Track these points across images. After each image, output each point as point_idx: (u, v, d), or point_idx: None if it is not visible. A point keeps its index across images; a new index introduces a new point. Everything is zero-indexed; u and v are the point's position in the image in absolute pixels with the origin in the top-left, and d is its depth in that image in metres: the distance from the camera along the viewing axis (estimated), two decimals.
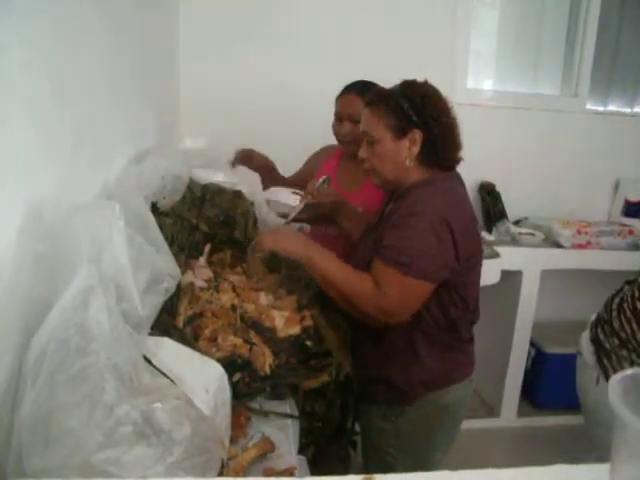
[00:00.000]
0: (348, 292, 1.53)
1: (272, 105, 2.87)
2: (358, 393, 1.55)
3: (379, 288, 1.49)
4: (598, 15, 3.10)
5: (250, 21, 2.87)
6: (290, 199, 1.98)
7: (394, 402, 1.67)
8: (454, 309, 1.58)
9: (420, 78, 1.64)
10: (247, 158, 2.23)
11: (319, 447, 1.45)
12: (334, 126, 2.16)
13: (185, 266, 1.59)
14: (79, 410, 0.70)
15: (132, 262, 1.01)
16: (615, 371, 1.94)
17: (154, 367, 0.90)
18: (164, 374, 0.92)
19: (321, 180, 1.94)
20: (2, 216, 0.91)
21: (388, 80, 1.68)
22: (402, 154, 1.57)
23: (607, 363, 1.94)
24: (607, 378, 1.95)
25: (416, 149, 1.56)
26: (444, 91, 1.63)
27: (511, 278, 2.98)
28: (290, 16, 2.91)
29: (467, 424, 1.81)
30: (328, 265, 1.56)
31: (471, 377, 1.73)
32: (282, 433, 1.20)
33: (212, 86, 2.86)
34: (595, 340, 1.98)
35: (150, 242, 1.16)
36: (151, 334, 1.15)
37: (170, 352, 1.07)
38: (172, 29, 2.70)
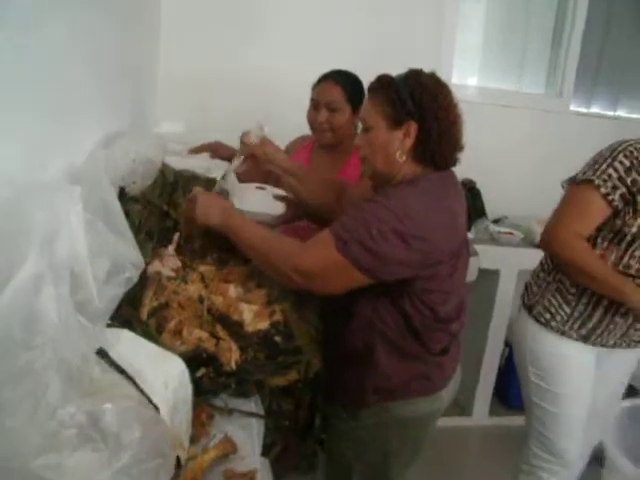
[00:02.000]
0: (268, 249, 1.47)
1: (254, 92, 2.80)
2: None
3: (303, 246, 1.44)
4: (585, 15, 3.07)
5: (233, 5, 2.80)
6: (270, 207, 1.89)
7: (348, 404, 1.63)
8: (418, 316, 1.49)
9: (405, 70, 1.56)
10: (212, 150, 2.13)
11: (285, 445, 1.41)
12: (309, 114, 2.12)
13: (153, 255, 1.53)
14: (20, 409, 0.64)
15: (91, 249, 0.95)
16: (531, 292, 2.08)
17: (107, 362, 0.84)
18: (119, 369, 0.87)
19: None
20: None
21: (372, 72, 1.63)
22: (394, 145, 1.48)
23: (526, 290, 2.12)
24: (523, 303, 2.11)
25: (409, 142, 1.47)
26: None
27: (488, 277, 2.96)
28: (275, 1, 2.84)
29: (438, 422, 1.77)
30: (247, 227, 1.52)
31: (440, 393, 1.62)
32: (246, 432, 1.15)
33: (192, 70, 2.78)
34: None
35: (113, 229, 1.10)
36: (111, 325, 1.10)
37: (129, 345, 1.02)
38: (153, 10, 2.62)
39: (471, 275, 2.73)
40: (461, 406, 3.36)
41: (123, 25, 1.99)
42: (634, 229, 1.78)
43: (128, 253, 1.08)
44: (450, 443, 3.06)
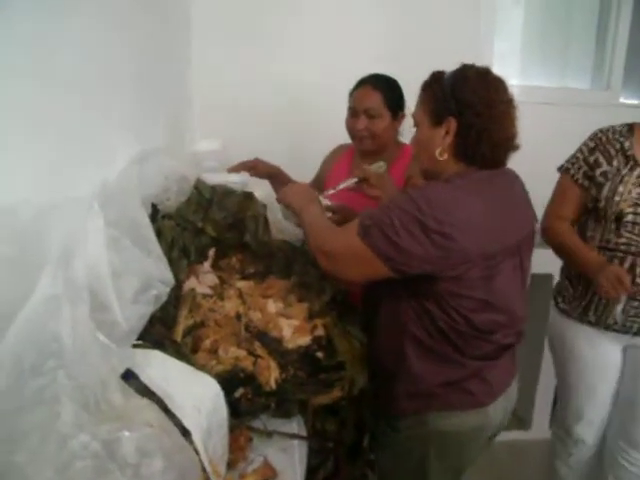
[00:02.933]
0: (311, 230, 1.50)
1: (287, 103, 2.76)
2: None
3: (334, 230, 1.46)
4: (632, 3, 2.93)
5: (262, 19, 2.77)
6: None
7: (386, 413, 1.56)
8: (448, 321, 1.40)
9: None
10: (252, 168, 2.09)
11: (333, 467, 1.34)
12: (348, 122, 2.06)
13: (189, 272, 1.49)
14: (28, 440, 0.59)
15: (115, 267, 0.91)
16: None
17: (134, 385, 0.79)
18: (146, 392, 0.81)
19: (376, 165, 1.84)
20: None
21: (406, 74, 1.56)
22: (435, 143, 1.43)
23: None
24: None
25: (449, 139, 1.41)
26: None
27: (541, 282, 2.83)
28: (304, 14, 2.80)
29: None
30: (312, 211, 1.55)
31: (485, 408, 1.50)
32: (287, 456, 1.09)
33: (226, 87, 2.76)
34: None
35: (141, 246, 1.06)
36: (142, 346, 1.05)
37: (159, 367, 0.97)
38: (184, 26, 2.61)
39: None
40: (520, 418, 3.22)
41: (156, 41, 1.98)
42: (602, 203, 1.93)
43: (156, 270, 1.04)
44: (508, 458, 2.92)
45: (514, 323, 1.50)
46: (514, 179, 1.53)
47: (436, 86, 1.44)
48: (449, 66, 1.48)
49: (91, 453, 0.60)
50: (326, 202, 1.86)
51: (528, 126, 2.98)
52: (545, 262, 2.42)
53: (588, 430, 2.18)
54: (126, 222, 1.11)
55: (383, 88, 2.00)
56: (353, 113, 2.03)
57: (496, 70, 3.03)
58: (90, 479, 0.59)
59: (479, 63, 1.54)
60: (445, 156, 1.43)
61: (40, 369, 0.63)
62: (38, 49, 1.03)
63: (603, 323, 1.99)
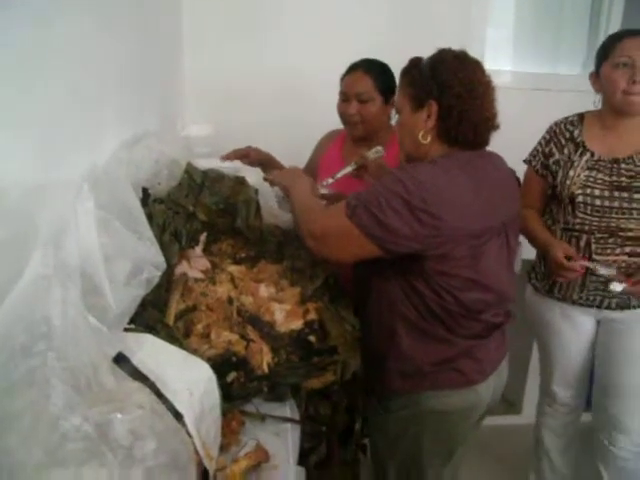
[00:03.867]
0: (299, 210, 1.52)
1: (280, 90, 2.74)
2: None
3: (322, 211, 1.47)
4: None
5: (256, 5, 2.74)
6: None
7: (379, 393, 1.56)
8: (437, 300, 1.41)
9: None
10: (243, 155, 2.07)
11: (325, 451, 1.33)
12: (339, 106, 2.04)
13: (180, 256, 1.47)
14: (19, 423, 0.58)
15: (106, 249, 0.90)
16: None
17: (126, 369, 0.78)
18: (138, 376, 0.81)
19: (374, 150, 1.85)
20: None
21: (398, 61, 1.56)
22: (418, 127, 1.45)
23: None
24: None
25: (431, 122, 1.43)
26: None
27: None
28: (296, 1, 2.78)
29: (485, 420, 1.67)
30: (301, 191, 1.57)
31: (475, 387, 1.51)
32: (279, 439, 1.08)
33: (218, 72, 2.73)
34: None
35: (131, 228, 1.05)
36: (134, 330, 1.04)
37: (151, 350, 0.96)
38: (175, 13, 2.58)
39: (516, 266, 2.62)
40: (510, 403, 3.24)
41: (146, 27, 1.96)
42: (558, 189, 2.07)
43: (148, 253, 1.03)
44: (499, 442, 2.94)
45: (503, 302, 1.52)
46: (498, 160, 1.53)
47: (415, 71, 1.47)
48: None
49: (82, 435, 0.60)
50: (323, 191, 1.86)
51: (520, 112, 2.98)
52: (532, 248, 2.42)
53: (567, 392, 2.28)
54: (116, 205, 1.10)
55: (375, 72, 1.99)
56: (345, 98, 2.02)
57: (488, 57, 3.03)
58: (82, 461, 0.59)
59: (471, 50, 1.54)
60: (428, 139, 1.45)
61: (30, 350, 0.62)
62: (31, 26, 1.01)
63: (569, 298, 2.11)
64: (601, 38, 3.02)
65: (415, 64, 1.50)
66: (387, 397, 1.55)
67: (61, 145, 1.19)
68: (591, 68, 2.23)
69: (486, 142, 1.49)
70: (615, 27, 2.99)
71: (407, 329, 1.46)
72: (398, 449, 1.57)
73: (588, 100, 2.38)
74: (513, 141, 2.72)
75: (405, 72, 1.53)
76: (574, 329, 2.17)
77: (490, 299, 1.46)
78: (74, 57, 1.26)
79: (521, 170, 2.60)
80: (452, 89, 1.40)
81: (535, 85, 3.00)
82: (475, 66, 1.45)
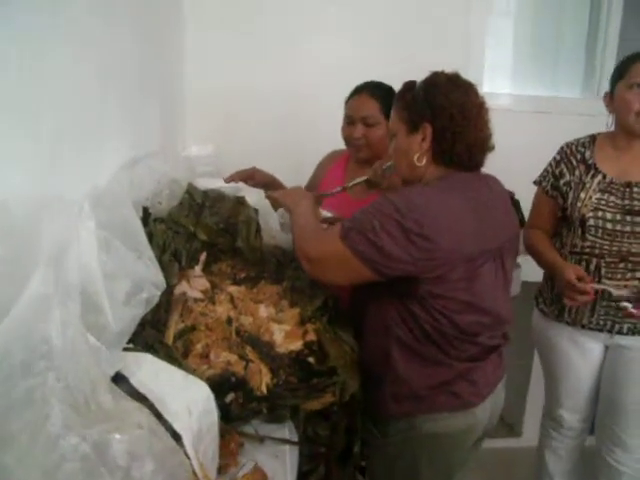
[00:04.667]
0: (298, 229, 1.52)
1: (280, 110, 2.76)
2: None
3: (318, 235, 1.47)
4: (622, 12, 2.96)
5: (257, 22, 2.76)
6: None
7: (375, 417, 1.54)
8: (433, 322, 1.40)
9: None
10: (248, 177, 2.07)
11: (324, 473, 1.32)
12: (344, 130, 2.03)
13: (180, 276, 1.48)
14: (17, 443, 0.58)
15: (106, 268, 0.90)
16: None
17: (124, 388, 0.78)
18: (137, 395, 0.80)
19: (388, 163, 1.80)
20: None
21: (396, 83, 1.58)
22: (413, 150, 1.47)
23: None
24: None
25: (426, 145, 1.45)
26: None
27: (532, 290, 2.83)
28: (297, 17, 2.80)
29: (486, 443, 1.66)
30: (302, 210, 1.57)
31: (473, 410, 1.50)
32: (278, 461, 1.08)
33: (219, 93, 2.75)
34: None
35: (132, 248, 1.05)
36: (133, 350, 1.04)
37: (150, 370, 0.96)
38: (178, 32, 2.61)
39: (514, 289, 2.61)
40: (510, 426, 3.22)
41: (149, 47, 1.98)
42: (568, 211, 2.06)
43: (147, 273, 1.03)
44: (499, 465, 2.91)
45: (499, 324, 1.51)
46: (494, 182, 1.54)
47: (408, 95, 1.49)
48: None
49: (80, 455, 0.59)
50: (325, 214, 1.86)
51: (519, 135, 3.00)
52: (536, 270, 2.43)
53: (574, 416, 2.26)
54: (117, 224, 1.10)
55: (380, 96, 1.97)
56: (350, 121, 2.00)
57: (487, 80, 3.05)
58: None
59: (469, 73, 1.55)
60: (423, 161, 1.46)
61: (30, 370, 0.62)
62: (32, 47, 1.03)
63: (579, 323, 2.09)
64: (598, 61, 3.06)
65: (409, 88, 1.51)
66: (384, 421, 1.54)
67: (63, 164, 1.19)
68: (590, 90, 2.26)
69: (481, 163, 1.50)
70: (612, 51, 3.03)
71: (402, 352, 1.45)
72: (395, 473, 1.56)
73: (589, 123, 2.40)
74: (514, 164, 2.75)
75: (399, 96, 1.54)
76: (582, 355, 2.15)
77: (486, 321, 1.46)
78: (76, 77, 1.27)
79: (524, 191, 2.62)
80: (445, 111, 1.41)
81: (535, 108, 3.03)
82: (468, 88, 1.46)
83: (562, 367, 2.22)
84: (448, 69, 1.52)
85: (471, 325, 1.43)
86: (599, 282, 1.97)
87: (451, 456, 1.55)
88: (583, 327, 2.08)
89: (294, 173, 2.30)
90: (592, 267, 2.00)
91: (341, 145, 2.12)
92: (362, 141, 1.98)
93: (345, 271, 1.39)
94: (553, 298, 2.15)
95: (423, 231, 1.30)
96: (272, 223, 1.82)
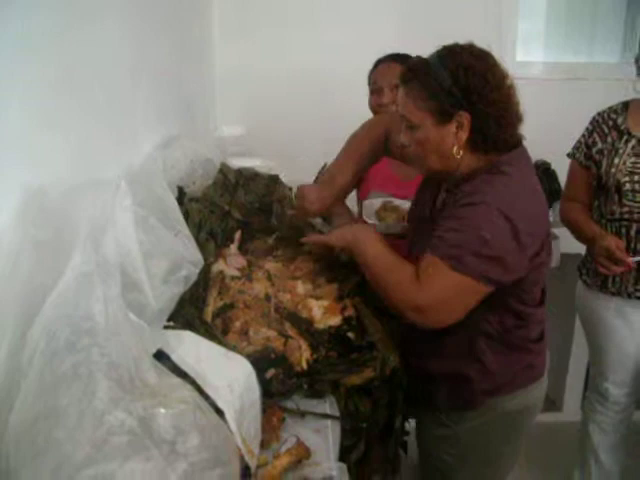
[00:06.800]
0: (384, 278, 1.33)
1: (309, 89, 2.74)
2: (412, 394, 1.41)
3: (418, 279, 1.27)
4: None
5: (284, 8, 2.75)
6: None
7: (453, 408, 1.49)
8: (523, 306, 1.38)
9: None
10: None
11: (365, 448, 1.32)
12: (372, 101, 2.02)
13: (217, 255, 1.48)
14: (66, 417, 0.58)
15: (144, 246, 0.90)
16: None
17: (166, 365, 0.78)
18: (179, 372, 0.81)
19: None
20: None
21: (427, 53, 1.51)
22: (448, 141, 1.30)
23: None
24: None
25: (464, 134, 1.29)
26: None
27: (571, 261, 2.77)
28: (324, 3, 2.77)
29: None
30: (371, 247, 1.36)
31: (541, 380, 1.51)
32: (320, 436, 1.08)
33: (248, 73, 2.75)
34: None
35: (169, 226, 1.05)
36: (173, 327, 1.05)
37: (191, 347, 0.96)
38: (206, 16, 2.60)
39: (553, 261, 2.56)
40: (551, 400, 3.18)
41: (178, 31, 1.99)
42: (603, 179, 2.03)
43: (185, 251, 1.03)
44: (539, 439, 2.88)
45: (545, 296, 1.51)
46: (527, 150, 1.44)
47: (428, 79, 1.29)
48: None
49: (127, 429, 0.60)
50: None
51: (554, 104, 2.93)
52: (575, 242, 2.38)
53: (621, 390, 2.22)
54: (154, 203, 1.10)
55: (401, 60, 1.96)
56: (377, 91, 2.00)
57: (519, 47, 2.96)
58: (127, 455, 0.59)
59: (502, 42, 1.48)
60: (461, 153, 1.32)
61: (74, 346, 0.63)
62: (65, 36, 1.03)
63: (624, 292, 2.05)
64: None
65: (424, 71, 1.31)
66: (463, 410, 1.49)
67: (98, 146, 1.20)
68: (631, 54, 2.19)
69: (521, 140, 1.39)
70: None
71: (489, 345, 1.40)
72: (470, 458, 1.53)
73: (629, 88, 2.32)
74: (550, 134, 2.68)
75: (412, 81, 1.33)
76: (628, 327, 2.11)
77: (542, 290, 1.46)
78: (111, 63, 1.28)
79: (560, 162, 2.56)
80: (486, 96, 1.26)
81: (570, 75, 2.94)
82: (493, 61, 1.31)
83: (607, 339, 2.17)
84: (479, 39, 1.42)
85: (536, 295, 1.43)
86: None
87: (522, 431, 1.55)
88: (629, 296, 2.04)
89: (326, 150, 2.28)
90: (632, 232, 1.99)
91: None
92: (392, 107, 1.94)
93: (464, 302, 1.29)
94: (596, 269, 2.08)
95: (529, 229, 1.26)
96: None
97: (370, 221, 1.87)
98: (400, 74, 1.37)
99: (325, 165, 1.70)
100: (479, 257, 1.23)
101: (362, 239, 1.39)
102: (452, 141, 1.31)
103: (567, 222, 2.21)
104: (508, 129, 1.31)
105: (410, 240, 1.60)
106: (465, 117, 1.27)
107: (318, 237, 1.52)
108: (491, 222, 1.24)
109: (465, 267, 1.23)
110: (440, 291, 1.27)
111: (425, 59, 1.34)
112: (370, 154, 1.63)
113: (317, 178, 1.69)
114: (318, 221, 1.73)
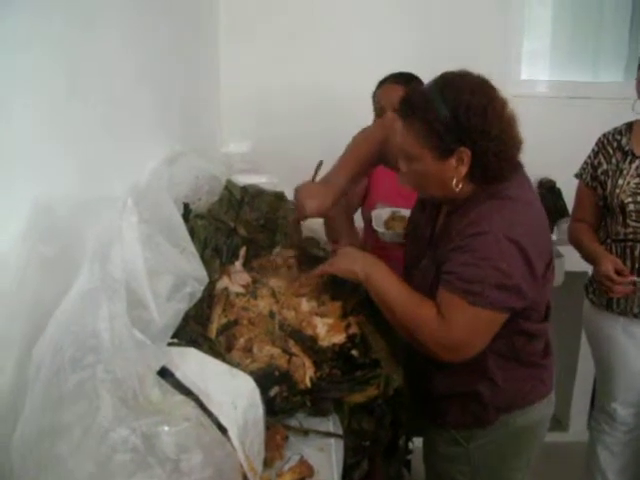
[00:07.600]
0: (408, 320, 1.33)
1: (314, 106, 2.76)
2: (420, 412, 1.42)
3: (443, 319, 1.28)
4: None
5: (290, 22, 2.77)
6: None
7: (464, 426, 1.48)
8: (529, 324, 1.40)
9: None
10: None
11: (369, 466, 1.32)
12: (375, 121, 2.04)
13: (221, 271, 1.49)
14: (70, 433, 0.59)
15: (149, 263, 0.91)
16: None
17: (170, 382, 0.78)
18: (183, 390, 0.81)
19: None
20: (5, 216, 0.83)
21: (433, 73, 1.51)
22: (448, 175, 1.31)
23: None
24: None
25: (464, 169, 1.29)
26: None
27: (576, 280, 2.77)
28: (332, 14, 2.79)
29: None
30: (389, 287, 1.36)
31: (550, 395, 1.52)
32: (324, 454, 1.07)
33: (253, 90, 2.77)
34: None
35: (174, 243, 1.06)
36: (178, 344, 1.05)
37: (195, 364, 0.96)
38: (212, 32, 2.63)
39: (557, 279, 2.56)
40: (557, 420, 3.16)
41: (184, 47, 2.00)
42: (608, 199, 2.05)
43: (190, 267, 1.03)
44: (545, 459, 2.85)
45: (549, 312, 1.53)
46: (525, 172, 1.46)
47: (428, 115, 1.27)
48: (476, 67, 1.35)
49: (131, 447, 0.60)
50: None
51: (559, 122, 2.93)
52: (579, 260, 2.38)
53: (629, 410, 2.20)
54: (159, 220, 1.11)
55: (404, 81, 2.01)
56: (380, 111, 2.02)
57: (525, 67, 2.97)
58: (130, 473, 0.59)
59: (507, 61, 1.48)
60: (460, 185, 1.32)
61: (80, 363, 0.63)
62: (72, 51, 1.05)
63: (630, 313, 2.05)
64: None
65: (423, 106, 1.29)
66: (475, 428, 1.49)
67: (105, 162, 1.21)
68: (633, 74, 2.20)
69: (520, 165, 1.40)
70: None
71: (500, 363, 1.41)
72: (481, 476, 1.52)
73: (630, 107, 2.33)
74: (555, 152, 2.69)
75: (411, 116, 1.31)
76: (637, 346, 2.10)
77: (547, 306, 1.47)
78: (117, 77, 1.29)
79: (565, 180, 2.57)
80: (488, 134, 1.26)
81: (574, 93, 2.96)
82: (492, 91, 1.31)
83: (615, 358, 2.16)
84: (485, 57, 1.43)
85: (547, 309, 1.45)
86: None
87: (532, 446, 1.55)
88: (635, 316, 2.03)
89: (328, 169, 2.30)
90: (637, 253, 1.99)
91: None
92: None
93: (492, 332, 1.32)
94: (602, 288, 2.09)
95: (537, 249, 1.29)
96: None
97: (379, 230, 1.90)
98: (398, 106, 1.35)
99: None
100: (501, 289, 1.26)
101: (375, 277, 1.38)
102: (452, 175, 1.31)
103: (573, 242, 2.22)
104: (508, 162, 1.32)
105: (408, 255, 1.61)
106: (466, 153, 1.28)
107: (324, 269, 1.49)
108: (503, 251, 1.26)
109: (488, 301, 1.26)
110: (466, 327, 1.29)
111: (423, 92, 1.33)
112: (369, 156, 1.66)
113: (314, 177, 1.70)
114: (317, 221, 1.75)
